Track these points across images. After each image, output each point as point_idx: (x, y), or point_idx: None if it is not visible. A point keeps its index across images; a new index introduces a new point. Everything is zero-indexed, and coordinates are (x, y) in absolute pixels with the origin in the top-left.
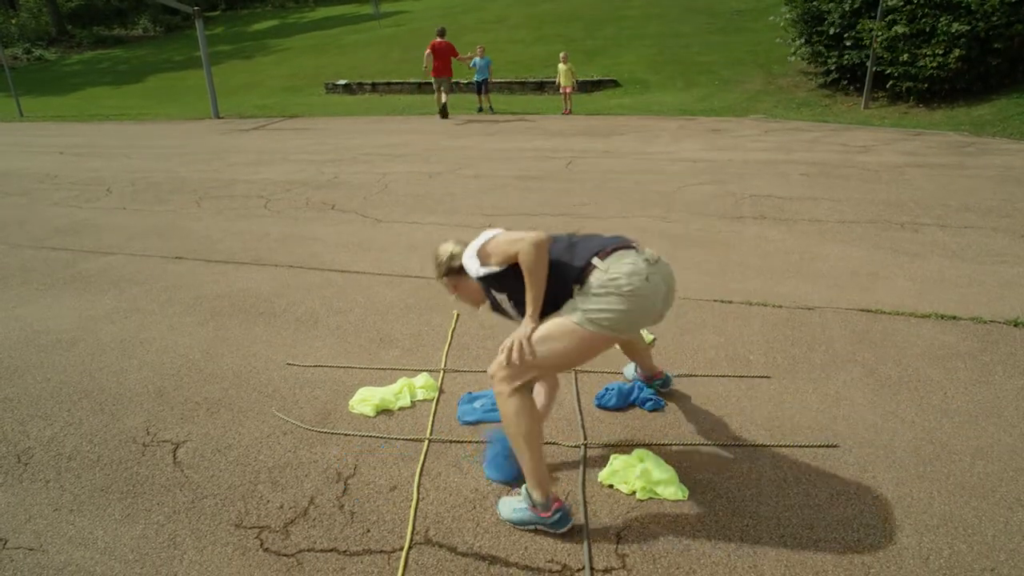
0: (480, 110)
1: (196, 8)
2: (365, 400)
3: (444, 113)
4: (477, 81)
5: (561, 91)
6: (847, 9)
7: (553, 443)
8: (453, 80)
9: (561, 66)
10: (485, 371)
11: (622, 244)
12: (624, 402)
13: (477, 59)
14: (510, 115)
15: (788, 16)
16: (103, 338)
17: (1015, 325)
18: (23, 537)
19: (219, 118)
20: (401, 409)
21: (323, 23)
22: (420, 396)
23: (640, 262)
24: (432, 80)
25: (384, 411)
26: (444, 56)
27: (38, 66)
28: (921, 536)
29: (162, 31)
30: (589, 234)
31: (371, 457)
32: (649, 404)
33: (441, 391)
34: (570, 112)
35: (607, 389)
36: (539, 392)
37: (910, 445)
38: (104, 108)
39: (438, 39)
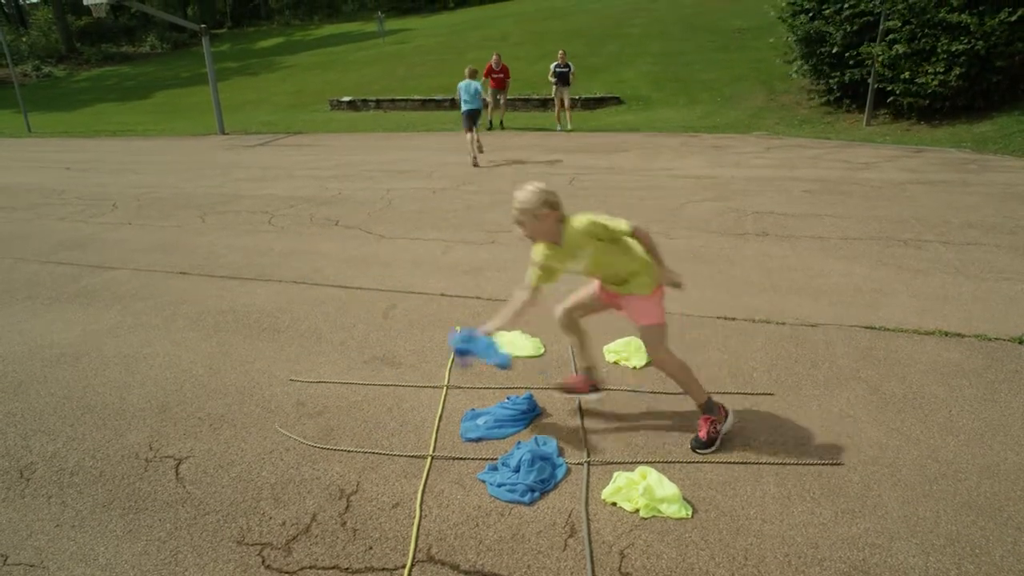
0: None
1: (203, 25)
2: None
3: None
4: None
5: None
6: (849, 30)
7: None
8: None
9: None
10: (488, 387)
11: None
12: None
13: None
14: (513, 131)
15: (790, 38)
16: (107, 353)
17: (1020, 342)
18: (24, 553)
19: (224, 134)
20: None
21: (328, 41)
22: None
23: None
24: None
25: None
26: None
27: (47, 83)
28: (927, 556)
29: (169, 48)
30: None
31: (373, 474)
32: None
33: (444, 408)
34: None
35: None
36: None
37: (915, 463)
38: (111, 124)
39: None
